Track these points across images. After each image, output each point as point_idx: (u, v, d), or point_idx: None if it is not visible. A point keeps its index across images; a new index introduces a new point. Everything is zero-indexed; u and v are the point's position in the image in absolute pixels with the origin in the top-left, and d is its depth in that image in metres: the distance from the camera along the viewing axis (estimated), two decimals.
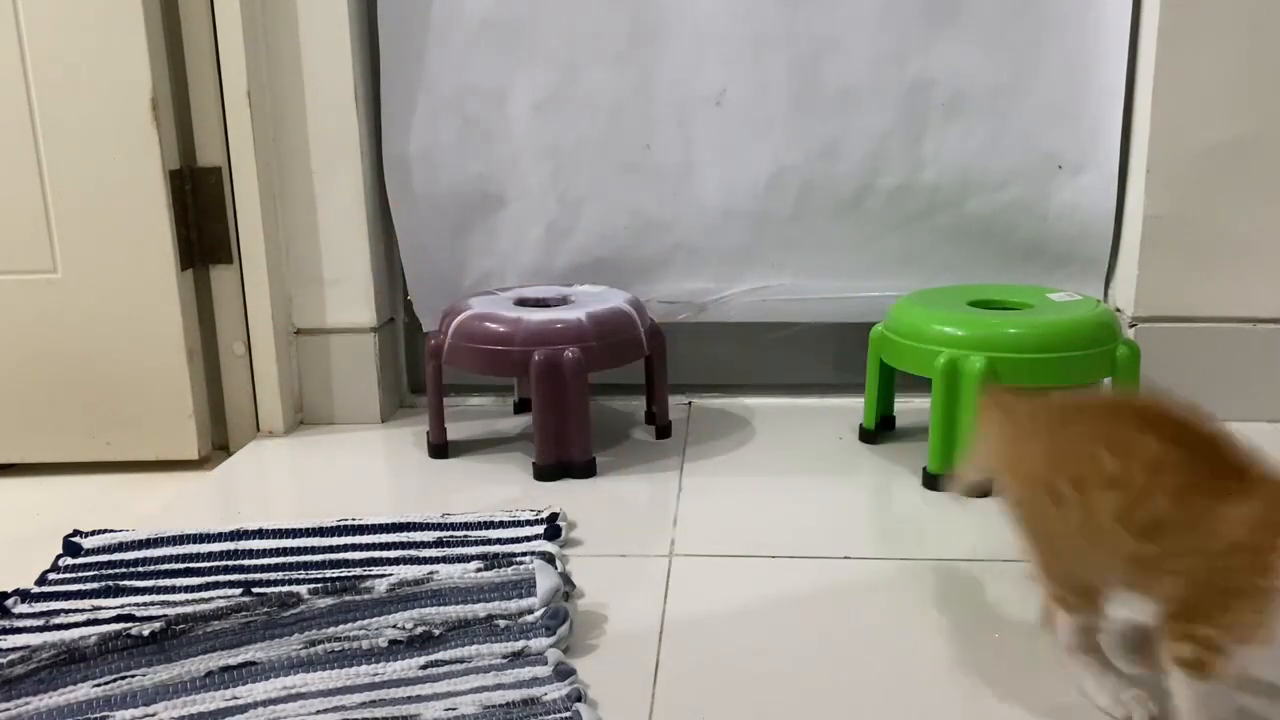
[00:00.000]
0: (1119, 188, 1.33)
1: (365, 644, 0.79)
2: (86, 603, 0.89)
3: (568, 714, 0.71)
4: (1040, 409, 0.71)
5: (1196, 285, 1.28)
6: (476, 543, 0.98)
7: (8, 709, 0.72)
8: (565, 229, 1.39)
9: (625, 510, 1.09)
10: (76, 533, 1.00)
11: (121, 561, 0.96)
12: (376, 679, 0.76)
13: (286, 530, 1.00)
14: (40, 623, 0.85)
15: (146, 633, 0.78)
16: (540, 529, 1.00)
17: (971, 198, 1.35)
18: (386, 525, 1.01)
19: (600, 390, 1.44)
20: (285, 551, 0.97)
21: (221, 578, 0.93)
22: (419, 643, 0.79)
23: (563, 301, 1.26)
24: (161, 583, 0.92)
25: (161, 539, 0.99)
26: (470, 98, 1.36)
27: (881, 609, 0.88)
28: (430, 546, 0.97)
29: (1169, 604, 0.61)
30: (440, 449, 1.26)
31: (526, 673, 0.76)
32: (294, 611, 0.81)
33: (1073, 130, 1.32)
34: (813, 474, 1.17)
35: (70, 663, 0.76)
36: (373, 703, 0.72)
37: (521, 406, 1.41)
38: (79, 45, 1.21)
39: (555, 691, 0.73)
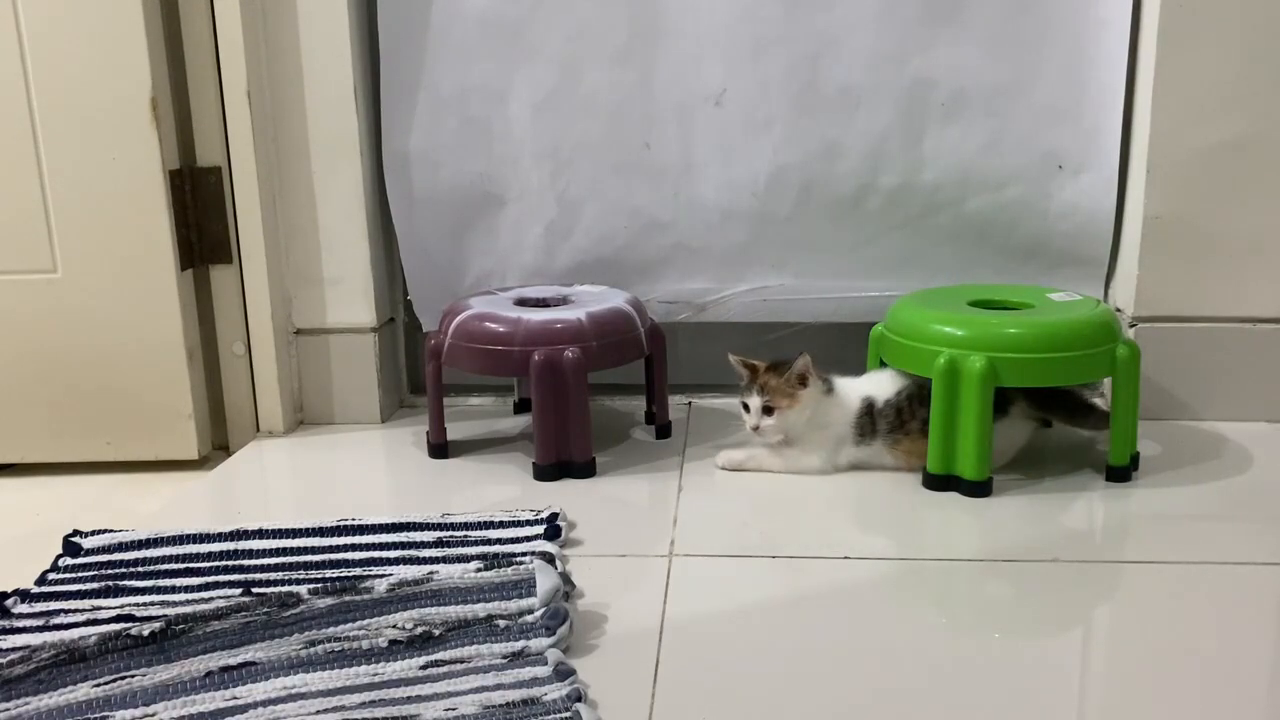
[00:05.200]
0: (1119, 188, 1.33)
1: (365, 644, 0.79)
2: (86, 603, 0.89)
3: (568, 714, 0.71)
4: None
5: (1196, 285, 1.28)
6: (476, 543, 0.98)
7: (8, 709, 0.72)
8: (565, 229, 1.39)
9: (625, 510, 1.09)
10: (76, 533, 1.00)
11: (121, 561, 0.96)
12: (376, 679, 0.76)
13: (286, 530, 1.00)
14: (40, 623, 0.85)
15: (146, 633, 0.78)
16: (540, 529, 1.00)
17: (971, 198, 1.35)
18: (386, 525, 1.01)
19: (600, 390, 1.44)
20: (285, 551, 0.97)
21: (221, 578, 0.93)
22: (419, 643, 0.79)
23: (563, 301, 1.26)
24: (161, 583, 0.92)
25: (161, 539, 0.99)
26: (470, 97, 1.36)
27: (881, 609, 0.88)
28: (430, 546, 0.97)
29: None
30: (440, 449, 1.25)
31: (526, 673, 0.76)
32: (294, 611, 0.81)
33: (1073, 130, 1.32)
34: (813, 474, 1.17)
35: (70, 663, 0.76)
36: (373, 703, 0.72)
37: (521, 406, 1.41)
38: (79, 45, 1.21)
39: (555, 691, 0.73)
